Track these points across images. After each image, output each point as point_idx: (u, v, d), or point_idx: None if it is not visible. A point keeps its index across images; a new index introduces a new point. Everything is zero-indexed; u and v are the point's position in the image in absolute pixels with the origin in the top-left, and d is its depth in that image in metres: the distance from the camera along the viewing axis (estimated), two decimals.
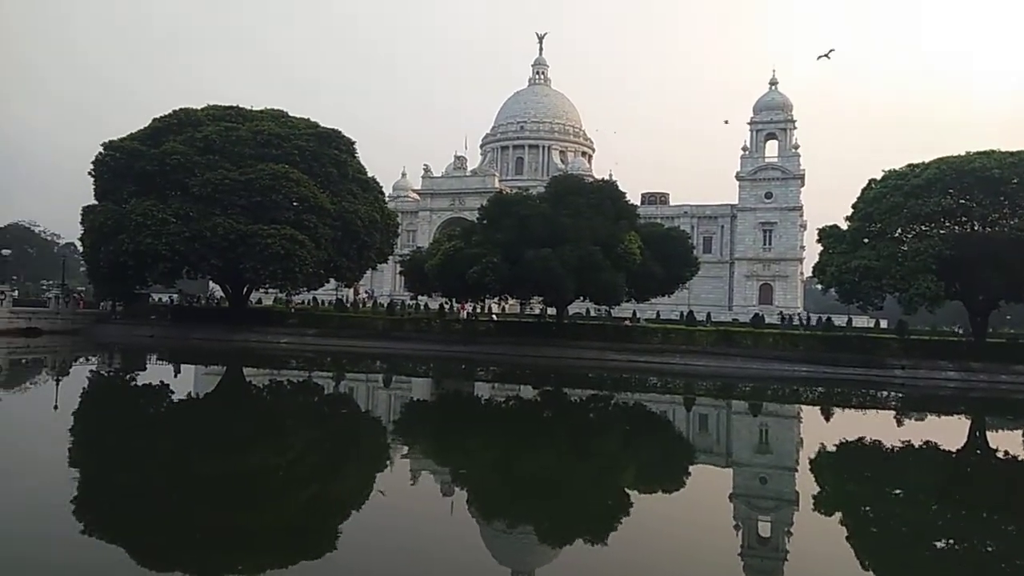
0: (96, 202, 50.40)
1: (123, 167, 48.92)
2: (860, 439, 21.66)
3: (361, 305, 66.19)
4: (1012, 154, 39.12)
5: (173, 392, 27.30)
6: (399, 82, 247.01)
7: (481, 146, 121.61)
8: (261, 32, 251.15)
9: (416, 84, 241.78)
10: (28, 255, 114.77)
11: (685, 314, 57.15)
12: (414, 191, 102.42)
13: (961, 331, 54.82)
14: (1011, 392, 36.48)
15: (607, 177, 73.72)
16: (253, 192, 46.49)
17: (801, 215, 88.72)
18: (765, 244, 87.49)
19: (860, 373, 39.33)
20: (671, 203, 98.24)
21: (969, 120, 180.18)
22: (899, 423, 26.88)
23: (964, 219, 40.70)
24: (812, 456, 18.63)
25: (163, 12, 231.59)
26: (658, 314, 65.10)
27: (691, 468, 17.57)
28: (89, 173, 50.66)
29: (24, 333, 49.49)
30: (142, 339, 50.64)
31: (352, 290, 73.02)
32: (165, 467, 14.93)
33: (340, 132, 53.99)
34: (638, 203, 69.76)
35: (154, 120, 52.59)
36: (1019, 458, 20.78)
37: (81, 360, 40.17)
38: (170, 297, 69.61)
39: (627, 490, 15.08)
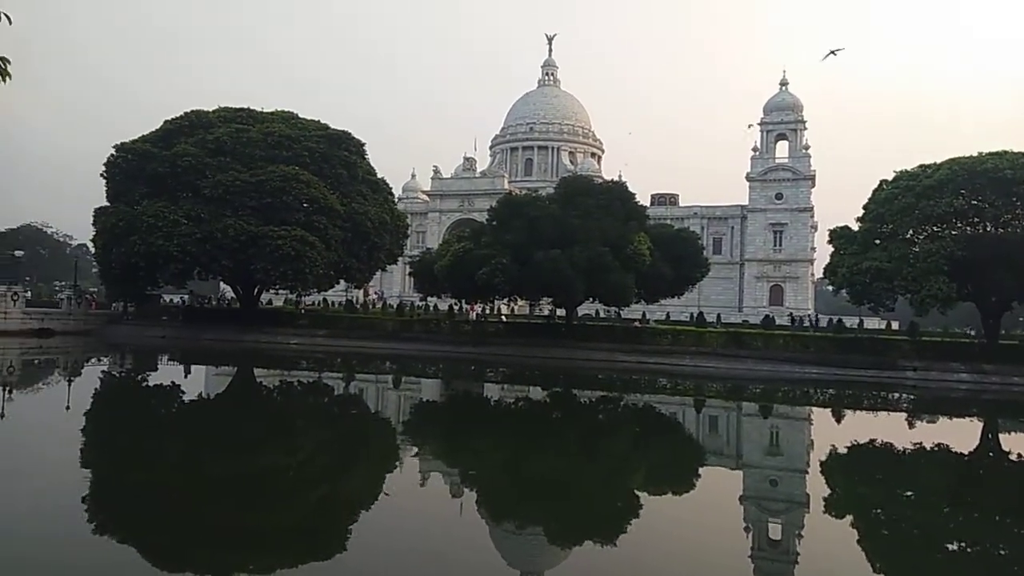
0: (108, 204, 50.77)
1: (135, 169, 49.28)
2: (871, 441, 21.56)
3: (371, 306, 66.28)
4: None
5: (184, 393, 27.45)
6: (408, 83, 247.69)
7: (490, 147, 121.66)
8: (271, 33, 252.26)
9: (425, 86, 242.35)
10: (41, 256, 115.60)
11: (695, 315, 56.96)
12: (423, 192, 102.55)
13: (973, 333, 54.46)
14: None
15: (616, 178, 73.65)
16: (264, 193, 46.72)
17: (812, 216, 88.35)
18: (775, 245, 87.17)
19: (871, 375, 39.12)
20: (681, 204, 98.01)
21: (983, 120, 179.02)
22: (911, 425, 26.73)
23: (976, 220, 40.43)
24: (823, 458, 18.56)
25: (188, 20, 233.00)
26: (668, 315, 64.96)
27: (701, 470, 17.50)
28: (101, 175, 51.06)
29: (37, 334, 49.87)
30: (154, 340, 50.93)
31: (362, 291, 73.21)
32: (176, 467, 15.01)
33: (350, 133, 54.20)
34: (648, 204, 69.56)
35: (165, 122, 52.95)
36: None
37: (93, 361, 40.44)
38: (181, 298, 69.94)
39: (637, 492, 15.04)
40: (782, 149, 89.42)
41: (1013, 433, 27.46)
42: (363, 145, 54.86)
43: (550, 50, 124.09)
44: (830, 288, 54.77)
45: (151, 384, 31.45)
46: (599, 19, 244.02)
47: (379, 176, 56.43)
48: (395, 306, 62.25)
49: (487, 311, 57.27)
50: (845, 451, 19.40)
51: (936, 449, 20.97)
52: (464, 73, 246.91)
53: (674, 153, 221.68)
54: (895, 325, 60.75)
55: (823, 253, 57.36)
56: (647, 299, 49.56)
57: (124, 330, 55.04)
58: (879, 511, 13.90)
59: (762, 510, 13.69)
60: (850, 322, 56.33)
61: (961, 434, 25.54)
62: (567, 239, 42.40)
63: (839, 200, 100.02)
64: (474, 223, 66.83)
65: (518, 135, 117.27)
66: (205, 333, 51.15)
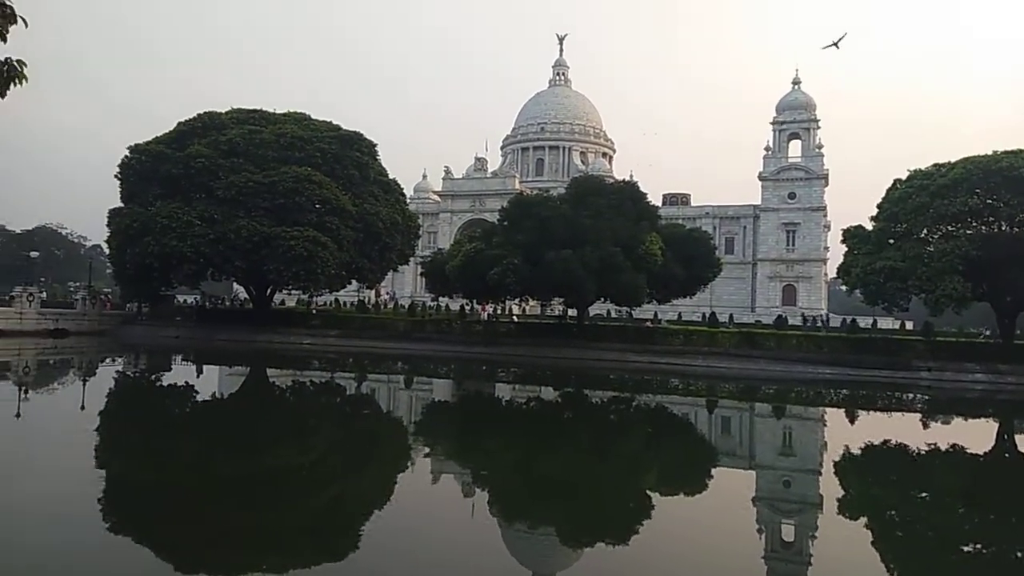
0: (122, 205, 51.15)
1: (149, 170, 49.64)
2: (885, 442, 21.43)
3: (383, 306, 66.46)
4: None
5: (198, 393, 27.62)
6: (419, 85, 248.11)
7: (501, 148, 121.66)
8: (280, 36, 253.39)
9: (436, 87, 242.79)
10: (56, 257, 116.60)
11: (707, 316, 56.79)
12: (435, 193, 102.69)
13: (988, 333, 54.03)
14: None
15: (628, 178, 73.49)
16: (276, 194, 46.96)
17: (825, 215, 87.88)
18: (788, 245, 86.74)
19: (885, 375, 38.85)
20: (692, 204, 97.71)
21: (998, 119, 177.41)
22: (925, 426, 26.56)
23: (991, 219, 40.10)
24: (836, 459, 18.47)
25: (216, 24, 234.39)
26: (679, 315, 64.80)
27: (714, 471, 17.44)
28: (115, 176, 51.48)
29: (52, 334, 50.31)
30: (168, 340, 51.27)
31: (374, 291, 73.38)
32: (189, 467, 15.10)
33: (362, 134, 54.37)
34: (659, 204, 69.43)
35: (179, 124, 53.31)
36: None
37: (107, 361, 40.75)
38: (195, 298, 70.39)
39: (649, 492, 15.01)
40: (795, 148, 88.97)
41: None
42: (375, 146, 55.02)
43: (561, 50, 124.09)
44: (843, 288, 54.43)
45: (165, 384, 31.67)
46: (610, 18, 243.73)
47: (391, 177, 56.61)
48: (407, 306, 62.40)
49: (498, 311, 57.32)
50: (859, 452, 19.28)
51: (951, 450, 20.80)
52: (475, 74, 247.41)
53: (685, 153, 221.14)
54: (909, 325, 60.36)
55: (836, 253, 57.14)
56: (659, 299, 49.47)
57: (138, 330, 55.42)
58: (893, 512, 13.81)
59: (775, 511, 13.63)
60: (864, 322, 55.94)
61: (976, 435, 25.34)
62: (578, 239, 42.36)
63: (853, 199, 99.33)
64: (485, 223, 66.87)
65: (529, 135, 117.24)
66: (218, 333, 51.45)
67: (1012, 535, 12.52)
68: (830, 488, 15.18)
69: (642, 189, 50.52)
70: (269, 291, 55.96)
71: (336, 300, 70.45)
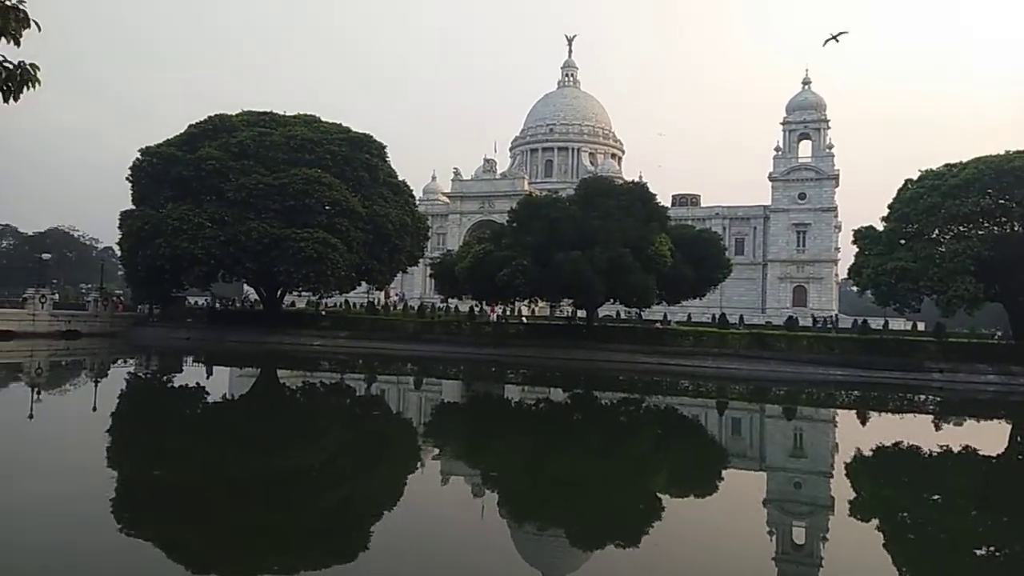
0: (134, 207, 51.45)
1: (160, 172, 49.91)
2: (897, 443, 21.30)
3: (392, 308, 66.53)
4: None
5: (208, 394, 27.76)
6: (428, 86, 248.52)
7: (510, 149, 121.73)
8: (286, 38, 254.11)
9: (445, 88, 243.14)
10: (68, 259, 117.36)
11: (717, 317, 56.60)
12: (444, 194, 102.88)
13: (1000, 334, 53.63)
14: None
15: (637, 179, 73.35)
16: (286, 196, 47.15)
17: (835, 216, 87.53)
18: (799, 246, 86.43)
19: (897, 377, 38.58)
20: (702, 204, 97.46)
21: (1010, 118, 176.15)
22: (937, 427, 26.37)
23: (1003, 219, 39.81)
24: (848, 460, 18.36)
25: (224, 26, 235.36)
26: (689, 317, 64.67)
27: (724, 472, 17.37)
28: (127, 178, 51.78)
29: (64, 335, 50.64)
30: (179, 341, 51.52)
31: (383, 293, 73.53)
32: (200, 468, 15.17)
33: (371, 136, 54.53)
34: (669, 205, 69.30)
35: (189, 126, 53.58)
36: None
37: (119, 362, 40.98)
38: (206, 300, 70.69)
39: (659, 494, 14.98)
40: (805, 149, 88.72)
41: None
42: (384, 148, 55.19)
43: (570, 51, 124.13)
44: (854, 289, 54.14)
45: (176, 385, 31.81)
46: (619, 20, 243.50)
47: (400, 178, 56.71)
48: (416, 308, 62.48)
49: (507, 312, 57.31)
50: (870, 453, 19.19)
51: (963, 452, 20.63)
52: (484, 75, 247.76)
53: (695, 154, 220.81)
54: (921, 326, 60.02)
55: (847, 253, 56.83)
56: (668, 300, 49.34)
57: (150, 332, 55.71)
58: (905, 515, 13.74)
59: (786, 513, 13.57)
60: (875, 323, 55.64)
61: (989, 436, 25.16)
62: (587, 240, 42.31)
63: (863, 200, 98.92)
64: (494, 225, 66.96)
65: (538, 136, 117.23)
66: (229, 335, 51.67)
67: None
68: (841, 490, 15.11)
69: (651, 190, 50.51)
70: (279, 293, 56.19)
71: (346, 301, 70.66)
